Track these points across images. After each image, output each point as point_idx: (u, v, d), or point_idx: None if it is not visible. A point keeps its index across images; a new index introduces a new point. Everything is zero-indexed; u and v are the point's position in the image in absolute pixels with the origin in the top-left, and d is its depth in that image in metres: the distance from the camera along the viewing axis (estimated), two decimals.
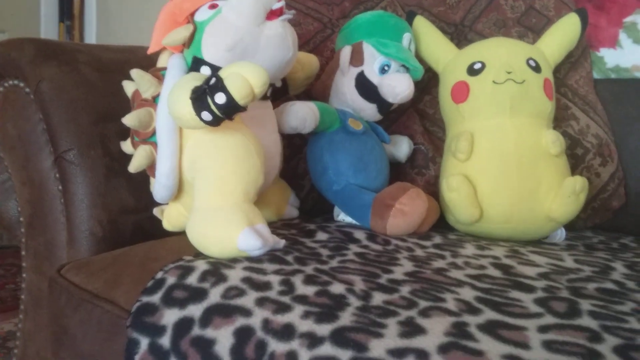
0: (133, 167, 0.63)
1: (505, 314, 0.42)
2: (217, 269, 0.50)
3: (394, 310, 0.42)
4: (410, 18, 0.83)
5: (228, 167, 0.56)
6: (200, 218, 0.56)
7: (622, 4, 0.85)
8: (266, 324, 0.42)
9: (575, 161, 0.79)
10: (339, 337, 0.39)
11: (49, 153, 0.70)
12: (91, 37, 2.07)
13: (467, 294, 0.46)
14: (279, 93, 0.74)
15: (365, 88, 0.74)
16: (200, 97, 0.52)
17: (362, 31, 0.76)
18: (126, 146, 0.66)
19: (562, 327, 0.40)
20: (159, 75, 0.63)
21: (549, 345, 0.37)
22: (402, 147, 0.82)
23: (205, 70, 0.60)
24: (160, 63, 0.65)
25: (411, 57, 0.75)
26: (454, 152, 0.71)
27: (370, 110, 0.76)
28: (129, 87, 0.64)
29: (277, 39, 0.60)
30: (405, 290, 0.47)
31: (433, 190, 0.78)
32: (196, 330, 0.44)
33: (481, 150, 0.69)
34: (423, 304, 0.44)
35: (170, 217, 0.68)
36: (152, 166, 0.63)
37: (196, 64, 0.61)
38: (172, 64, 0.61)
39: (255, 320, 0.43)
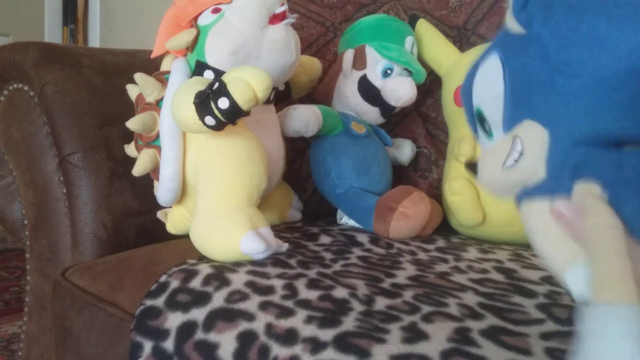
0: (137, 170, 0.63)
1: (507, 320, 0.42)
2: (220, 273, 0.50)
3: (396, 315, 0.42)
4: (412, 21, 0.83)
5: (231, 171, 0.56)
6: (203, 221, 0.56)
7: None
8: (269, 329, 0.42)
9: None
10: (342, 343, 0.39)
11: (53, 156, 0.70)
12: (95, 40, 2.08)
13: (470, 299, 0.46)
14: (282, 97, 0.75)
15: (368, 91, 0.74)
16: (203, 102, 0.52)
17: (364, 35, 0.76)
18: (130, 149, 0.66)
19: (564, 335, 0.40)
20: (162, 79, 0.63)
21: (551, 353, 0.37)
22: (404, 150, 0.82)
23: (209, 75, 0.61)
24: (163, 67, 0.66)
25: (414, 60, 0.75)
26: (456, 155, 0.71)
27: (372, 114, 0.76)
28: (132, 91, 0.65)
29: (280, 43, 0.60)
30: (408, 295, 0.47)
31: (436, 193, 0.78)
32: (199, 334, 0.45)
33: None
34: (426, 309, 0.44)
35: (173, 221, 0.68)
36: (155, 170, 0.63)
37: (199, 68, 0.61)
38: (176, 68, 0.62)
39: (259, 324, 0.43)
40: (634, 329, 0.26)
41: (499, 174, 0.32)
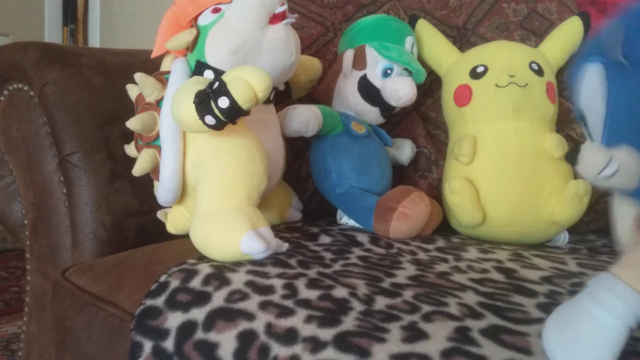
0: (137, 170, 0.63)
1: (507, 320, 0.42)
2: (220, 273, 0.50)
3: (396, 314, 0.42)
4: (412, 21, 0.83)
5: (231, 171, 0.56)
6: (203, 221, 0.56)
7: (624, 7, 0.85)
8: (269, 328, 0.42)
9: None
10: (342, 342, 0.39)
11: (53, 156, 0.70)
12: (95, 40, 2.08)
13: (470, 298, 0.46)
14: (282, 96, 0.75)
15: (368, 91, 0.74)
16: (203, 102, 0.52)
17: (364, 35, 0.76)
18: (130, 149, 0.66)
19: None
20: (162, 79, 0.63)
21: None
22: (405, 150, 0.82)
23: (209, 74, 0.61)
24: (163, 67, 0.66)
25: (414, 60, 0.75)
26: (456, 155, 0.71)
27: (373, 114, 0.76)
28: (132, 91, 0.65)
29: (280, 43, 0.60)
30: (408, 294, 0.47)
31: (436, 193, 0.78)
32: (199, 334, 0.45)
33: (484, 153, 0.70)
34: (426, 308, 0.44)
35: (173, 221, 0.68)
36: (155, 170, 0.63)
37: (199, 67, 0.61)
38: (176, 67, 0.62)
39: (259, 324, 0.43)
40: (621, 307, 0.29)
41: (594, 178, 0.37)
